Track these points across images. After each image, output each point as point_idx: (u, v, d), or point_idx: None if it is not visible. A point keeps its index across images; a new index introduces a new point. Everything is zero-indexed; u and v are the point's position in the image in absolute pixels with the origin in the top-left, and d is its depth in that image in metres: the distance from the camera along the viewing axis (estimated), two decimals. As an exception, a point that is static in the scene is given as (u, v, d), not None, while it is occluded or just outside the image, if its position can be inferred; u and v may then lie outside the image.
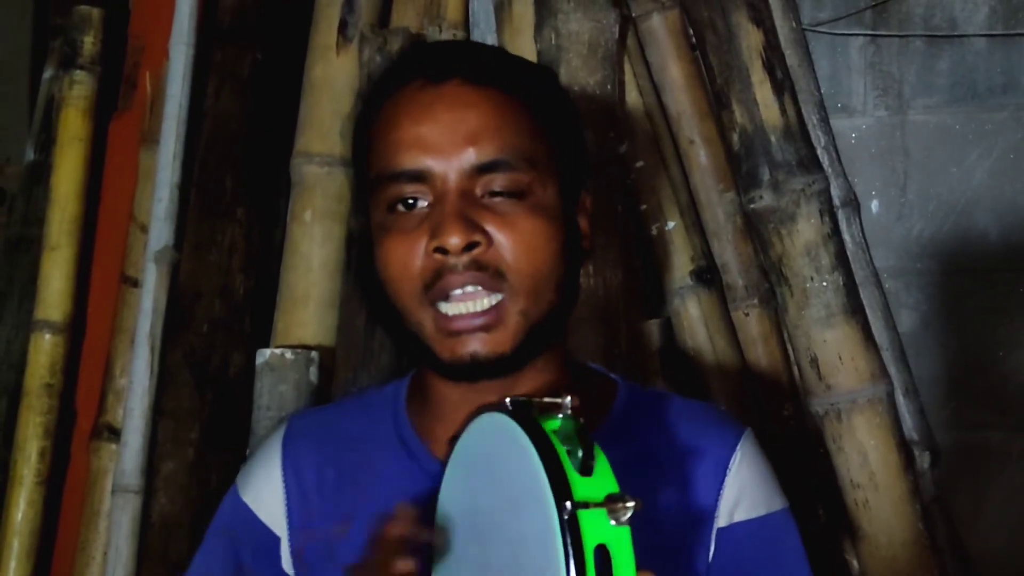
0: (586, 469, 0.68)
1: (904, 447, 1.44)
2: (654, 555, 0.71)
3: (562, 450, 0.68)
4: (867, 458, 1.41)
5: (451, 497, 0.81)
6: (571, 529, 0.64)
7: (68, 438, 1.65)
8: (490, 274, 0.84)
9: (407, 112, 0.88)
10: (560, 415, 0.71)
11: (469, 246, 0.83)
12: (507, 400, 0.73)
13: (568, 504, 0.65)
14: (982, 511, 1.57)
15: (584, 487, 0.66)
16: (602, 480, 0.68)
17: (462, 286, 0.84)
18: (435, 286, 0.85)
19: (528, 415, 0.71)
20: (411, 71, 0.90)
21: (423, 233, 0.85)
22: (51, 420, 1.61)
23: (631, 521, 0.66)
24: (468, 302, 0.84)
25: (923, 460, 1.51)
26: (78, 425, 1.65)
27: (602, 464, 0.69)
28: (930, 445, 1.54)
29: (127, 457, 1.47)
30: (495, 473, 0.74)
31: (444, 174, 0.85)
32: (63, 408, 1.64)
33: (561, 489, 0.65)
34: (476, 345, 0.85)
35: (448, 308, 0.85)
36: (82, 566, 1.55)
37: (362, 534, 0.88)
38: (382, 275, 0.89)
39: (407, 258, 0.86)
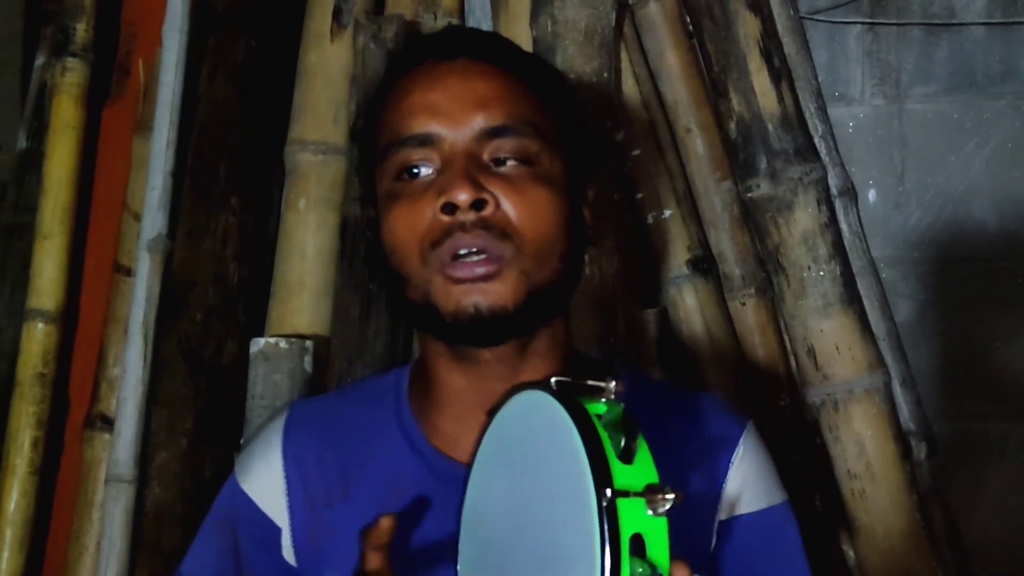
0: (628, 457, 0.67)
1: (901, 437, 1.44)
2: None
3: (605, 435, 0.67)
4: (864, 448, 1.41)
5: (484, 472, 0.79)
6: (609, 517, 0.63)
7: (61, 428, 1.64)
8: (495, 234, 0.83)
9: (417, 83, 0.88)
10: (604, 400, 0.70)
11: (477, 203, 0.83)
12: (552, 380, 0.71)
13: (608, 491, 0.64)
14: (979, 501, 1.57)
15: (625, 475, 0.66)
16: (643, 469, 0.67)
17: (469, 247, 0.83)
18: (443, 245, 0.84)
19: (572, 397, 0.70)
20: (420, 54, 0.91)
21: (431, 197, 0.84)
22: (44, 410, 1.60)
23: (669, 513, 0.65)
24: (472, 256, 0.84)
25: (920, 450, 1.51)
26: (71, 415, 1.64)
27: (644, 453, 0.68)
28: (927, 435, 1.54)
29: (120, 446, 1.46)
30: (531, 453, 0.73)
31: (452, 139, 0.85)
32: (56, 398, 1.63)
33: (602, 475, 0.65)
34: (477, 296, 0.83)
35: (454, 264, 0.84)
36: (75, 556, 1.54)
37: (362, 524, 0.88)
38: (388, 242, 0.87)
39: (414, 221, 0.85)
